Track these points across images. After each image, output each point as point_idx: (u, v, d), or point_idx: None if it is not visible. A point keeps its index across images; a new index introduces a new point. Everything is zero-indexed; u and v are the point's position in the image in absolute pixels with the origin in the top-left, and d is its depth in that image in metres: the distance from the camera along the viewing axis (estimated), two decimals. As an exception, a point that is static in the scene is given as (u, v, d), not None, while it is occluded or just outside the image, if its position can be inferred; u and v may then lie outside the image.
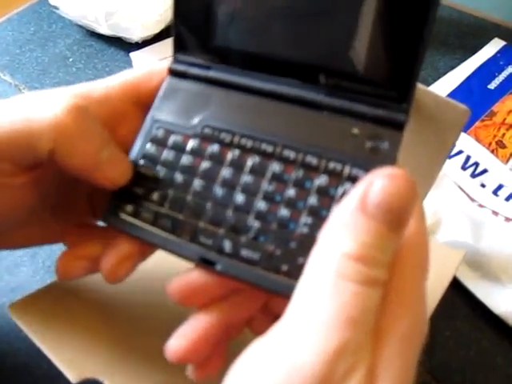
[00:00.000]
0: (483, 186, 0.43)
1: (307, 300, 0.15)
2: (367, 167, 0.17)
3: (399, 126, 0.18)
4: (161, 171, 0.20)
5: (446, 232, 0.39)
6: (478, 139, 0.45)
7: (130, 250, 0.20)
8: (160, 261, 0.22)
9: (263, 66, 0.20)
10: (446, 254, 0.32)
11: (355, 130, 0.18)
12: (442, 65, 0.55)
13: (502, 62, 0.53)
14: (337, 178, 0.17)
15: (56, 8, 0.59)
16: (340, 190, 0.17)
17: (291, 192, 0.18)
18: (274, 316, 0.21)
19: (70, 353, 0.24)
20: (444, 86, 0.51)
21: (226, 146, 0.19)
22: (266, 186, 0.18)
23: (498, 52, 0.54)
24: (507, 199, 0.41)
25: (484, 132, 0.46)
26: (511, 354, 0.34)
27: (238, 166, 0.19)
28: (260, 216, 0.18)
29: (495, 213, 0.40)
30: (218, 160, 0.19)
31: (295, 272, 0.17)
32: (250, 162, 0.18)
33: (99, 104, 0.21)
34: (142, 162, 0.20)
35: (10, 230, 0.22)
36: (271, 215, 0.18)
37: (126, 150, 0.21)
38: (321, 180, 0.17)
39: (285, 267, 0.17)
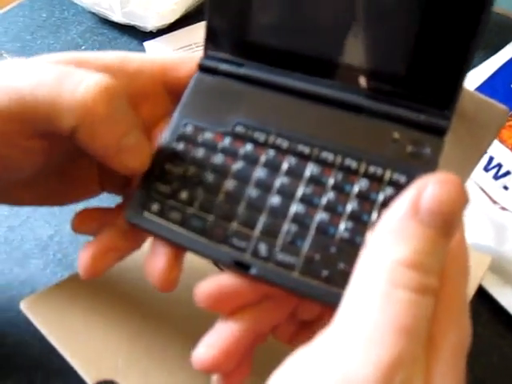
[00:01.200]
0: (506, 188, 0.42)
1: (357, 308, 0.14)
2: (409, 172, 0.17)
3: (441, 133, 0.17)
4: (190, 169, 0.19)
5: (467, 235, 0.38)
6: (501, 140, 0.44)
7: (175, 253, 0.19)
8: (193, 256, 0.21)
9: (300, 64, 0.19)
10: (472, 258, 0.31)
11: (396, 135, 0.17)
12: (463, 62, 0.54)
13: (526, 61, 0.51)
14: (378, 182, 0.17)
15: (68, -6, 0.58)
16: (381, 195, 0.17)
17: (330, 195, 0.17)
18: (300, 322, 0.20)
19: (85, 353, 0.24)
20: (466, 84, 0.50)
21: (261, 145, 0.18)
22: (303, 188, 0.17)
23: (522, 50, 0.53)
24: (531, 202, 0.40)
25: (508, 132, 0.45)
26: (534, 362, 0.34)
27: (273, 166, 0.18)
28: (297, 219, 0.17)
29: (518, 216, 0.39)
30: (251, 160, 0.18)
31: (336, 278, 0.16)
32: (286, 163, 0.18)
33: (131, 79, 0.20)
34: (169, 158, 0.19)
35: (15, 187, 0.22)
36: (309, 219, 0.17)
37: (146, 132, 0.20)
38: (361, 184, 0.17)
39: (325, 273, 0.16)
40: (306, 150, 0.18)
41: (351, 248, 0.16)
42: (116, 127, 0.18)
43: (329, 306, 0.16)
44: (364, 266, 0.14)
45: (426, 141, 0.17)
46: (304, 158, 0.18)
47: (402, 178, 0.17)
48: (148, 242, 0.30)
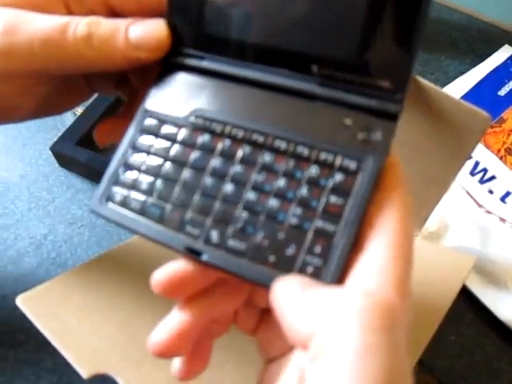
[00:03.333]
0: (491, 192, 0.43)
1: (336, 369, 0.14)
2: (359, 158, 0.17)
3: (393, 117, 0.17)
4: (150, 161, 0.19)
5: (453, 237, 0.39)
6: (487, 145, 0.46)
7: None
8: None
9: (256, 56, 0.19)
10: (456, 259, 0.32)
11: (348, 121, 0.17)
12: (451, 69, 0.55)
13: (511, 69, 0.53)
14: (328, 168, 0.17)
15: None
16: (331, 181, 0.17)
17: (281, 182, 0.17)
18: (259, 311, 0.21)
19: (80, 347, 0.24)
20: (454, 91, 0.51)
21: (217, 136, 0.19)
22: (255, 176, 0.18)
23: (509, 59, 0.54)
24: (515, 206, 0.41)
25: (493, 138, 0.46)
26: (515, 361, 0.35)
27: (228, 156, 0.18)
28: (248, 206, 0.17)
29: (502, 219, 0.41)
30: (208, 150, 0.18)
31: (282, 263, 0.16)
32: (241, 152, 0.18)
33: None
34: (132, 151, 0.20)
35: (18, 107, 0.23)
36: (260, 206, 0.17)
37: None
38: (311, 171, 0.17)
39: (272, 258, 0.17)
40: (261, 138, 0.18)
41: (299, 234, 0.16)
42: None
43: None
44: (330, 328, 0.14)
45: (378, 126, 0.17)
46: (258, 147, 0.18)
47: (352, 164, 0.17)
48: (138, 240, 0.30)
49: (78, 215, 0.43)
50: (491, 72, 0.53)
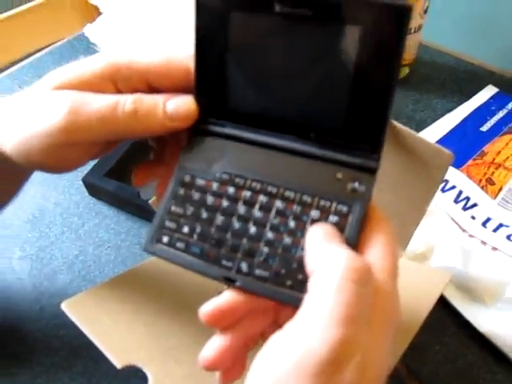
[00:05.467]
0: (473, 218, 0.47)
1: (317, 300, 0.19)
2: (349, 204, 0.22)
3: (373, 171, 0.22)
4: (189, 209, 0.24)
5: (438, 258, 0.44)
6: (469, 176, 0.50)
7: None
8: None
9: (267, 124, 0.25)
10: (434, 274, 0.36)
11: (339, 175, 0.23)
12: (440, 107, 0.60)
13: (493, 107, 0.58)
14: (326, 212, 0.22)
15: (94, 45, 0.66)
16: (328, 222, 0.22)
17: (292, 224, 0.22)
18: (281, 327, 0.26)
19: (114, 344, 0.29)
20: (441, 127, 0.56)
21: (240, 188, 0.24)
22: (272, 219, 0.23)
23: (491, 98, 0.60)
24: (494, 230, 0.46)
25: (475, 170, 0.51)
26: (494, 368, 0.39)
27: (250, 203, 0.23)
28: (269, 243, 0.23)
29: (483, 242, 0.45)
30: (233, 199, 0.24)
31: (296, 286, 0.21)
32: (259, 200, 0.23)
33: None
34: (174, 201, 0.25)
35: (75, 163, 0.28)
36: (277, 242, 0.22)
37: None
38: (314, 214, 0.22)
39: (289, 282, 0.22)
40: (274, 190, 0.23)
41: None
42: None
43: (293, 306, 0.21)
44: (322, 270, 0.20)
45: (362, 178, 0.22)
46: (272, 196, 0.23)
47: (344, 208, 0.22)
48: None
49: (106, 238, 0.48)
50: (475, 110, 0.58)
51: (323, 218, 0.22)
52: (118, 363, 0.28)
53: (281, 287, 0.22)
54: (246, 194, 0.24)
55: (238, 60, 0.24)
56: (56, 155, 0.25)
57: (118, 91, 0.26)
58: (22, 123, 0.26)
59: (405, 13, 0.20)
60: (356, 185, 0.22)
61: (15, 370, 0.39)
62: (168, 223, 0.25)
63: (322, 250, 0.20)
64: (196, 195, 0.25)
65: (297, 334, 0.19)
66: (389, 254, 0.21)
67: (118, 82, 0.26)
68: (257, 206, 0.23)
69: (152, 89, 0.26)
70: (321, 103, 0.23)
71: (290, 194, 0.23)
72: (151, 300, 0.34)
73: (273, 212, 0.23)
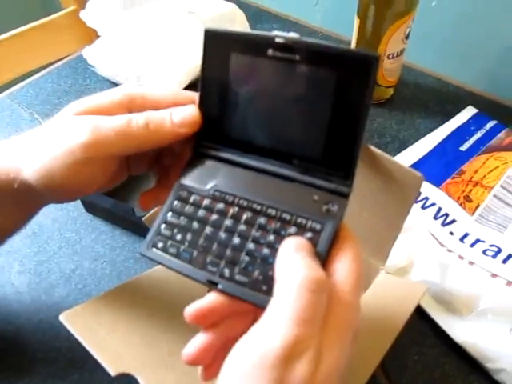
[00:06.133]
0: (452, 233, 0.50)
1: (277, 305, 0.22)
2: (322, 223, 0.25)
3: (345, 195, 0.25)
4: (182, 220, 0.27)
5: (418, 272, 0.46)
6: (448, 194, 0.53)
7: None
8: (183, 282, 0.29)
9: (257, 150, 0.28)
10: (411, 287, 0.39)
11: (316, 197, 0.26)
12: (422, 127, 0.63)
13: (472, 128, 0.61)
14: (302, 228, 0.25)
15: (92, 66, 0.69)
16: (304, 237, 0.25)
17: (271, 237, 0.25)
18: None
19: (109, 353, 0.31)
20: (423, 146, 0.59)
21: (229, 204, 0.27)
22: (254, 232, 0.26)
23: (471, 118, 0.62)
24: (471, 245, 0.48)
25: (454, 188, 0.54)
26: (469, 377, 0.41)
27: (236, 218, 0.26)
28: (249, 253, 0.25)
29: (461, 257, 0.47)
30: (222, 214, 0.27)
31: (270, 291, 0.24)
32: (245, 216, 0.26)
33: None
34: (170, 213, 0.28)
35: (93, 186, 0.30)
36: (257, 252, 0.25)
37: None
38: (291, 230, 0.25)
39: (264, 287, 0.24)
40: (258, 207, 0.26)
41: None
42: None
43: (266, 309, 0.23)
44: (285, 278, 0.22)
45: (335, 201, 0.25)
46: (256, 213, 0.26)
47: (318, 226, 0.25)
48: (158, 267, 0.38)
49: (101, 253, 0.50)
50: (455, 130, 0.61)
51: (299, 233, 0.25)
52: (113, 371, 0.30)
53: (257, 292, 0.24)
54: (234, 209, 0.27)
55: (234, 94, 0.28)
56: (78, 174, 0.28)
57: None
58: (44, 147, 0.28)
59: (373, 61, 0.23)
60: (330, 206, 0.25)
61: (14, 380, 0.41)
62: (163, 231, 0.28)
63: (289, 259, 0.23)
64: (190, 208, 0.28)
65: (258, 334, 0.22)
66: (353, 269, 0.23)
67: (132, 110, 0.29)
68: (242, 221, 0.26)
69: None
70: (302, 135, 0.26)
71: (271, 211, 0.26)
72: (144, 311, 0.36)
73: (256, 226, 0.26)
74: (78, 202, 0.53)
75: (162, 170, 0.33)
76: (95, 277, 0.48)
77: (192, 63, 0.63)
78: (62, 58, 0.78)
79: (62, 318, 0.33)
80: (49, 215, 0.54)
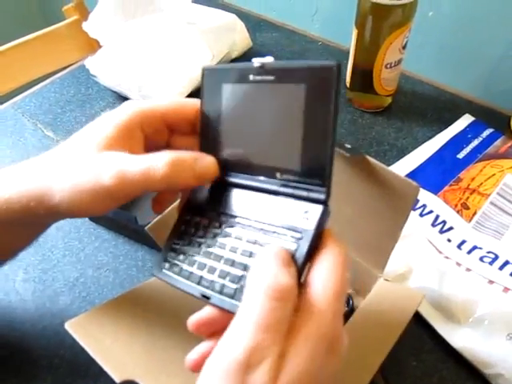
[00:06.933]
0: (449, 240, 0.50)
1: (242, 312, 0.22)
2: (302, 231, 0.25)
3: (323, 202, 0.26)
4: (185, 241, 0.29)
5: (416, 279, 0.47)
6: (446, 201, 0.54)
7: None
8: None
9: (244, 168, 0.29)
10: (409, 293, 0.39)
11: (296, 207, 0.27)
12: (420, 135, 0.64)
13: (469, 135, 0.62)
14: (284, 238, 0.26)
15: (94, 76, 0.70)
16: (291, 247, 0.26)
17: (256, 249, 0.26)
18: None
19: (114, 360, 0.32)
20: (420, 154, 0.60)
21: (221, 222, 0.29)
22: (244, 246, 0.27)
23: (468, 126, 0.63)
24: (469, 252, 0.49)
25: (451, 195, 0.54)
26: (467, 383, 0.41)
27: (227, 235, 0.28)
28: (236, 265, 0.26)
29: (458, 264, 0.48)
30: (217, 231, 0.28)
31: None
32: (235, 231, 0.28)
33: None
34: (176, 238, 0.30)
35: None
36: (242, 265, 0.26)
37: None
38: (273, 240, 0.26)
39: None
40: (246, 222, 0.28)
41: None
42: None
43: None
44: (252, 286, 0.23)
45: (314, 209, 0.26)
46: (244, 228, 0.27)
47: (298, 235, 0.25)
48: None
49: (105, 261, 0.51)
50: (452, 138, 0.62)
51: (281, 243, 0.26)
52: (117, 378, 0.31)
53: (239, 301, 0.25)
54: (227, 226, 0.28)
55: (226, 120, 0.30)
56: (99, 203, 0.29)
57: (143, 132, 0.31)
58: (73, 175, 0.29)
59: (333, 69, 0.25)
60: (308, 215, 0.26)
61: (19, 387, 0.41)
62: (170, 253, 0.30)
63: (259, 267, 0.24)
64: (191, 230, 0.30)
65: (225, 341, 0.22)
66: (331, 278, 0.23)
67: (143, 125, 0.31)
68: (232, 236, 0.28)
69: (169, 127, 0.31)
70: (282, 149, 0.27)
71: (257, 225, 0.27)
72: (147, 319, 0.37)
73: (245, 240, 0.27)
74: (81, 210, 0.54)
75: None
76: (99, 285, 0.49)
77: (192, 73, 0.64)
78: (64, 68, 0.79)
79: (67, 326, 0.33)
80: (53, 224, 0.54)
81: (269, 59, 0.27)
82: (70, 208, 0.29)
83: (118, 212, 0.51)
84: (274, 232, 0.26)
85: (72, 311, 0.47)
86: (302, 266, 0.24)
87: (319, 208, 0.26)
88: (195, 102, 0.32)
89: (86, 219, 0.55)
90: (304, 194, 0.27)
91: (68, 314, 0.47)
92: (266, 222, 0.27)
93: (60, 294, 0.48)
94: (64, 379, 0.42)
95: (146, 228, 0.40)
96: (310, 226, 0.25)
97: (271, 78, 0.27)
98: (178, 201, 0.33)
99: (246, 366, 0.21)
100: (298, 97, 0.26)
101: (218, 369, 0.21)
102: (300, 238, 0.25)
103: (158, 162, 0.28)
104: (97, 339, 0.33)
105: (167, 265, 0.29)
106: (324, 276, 0.23)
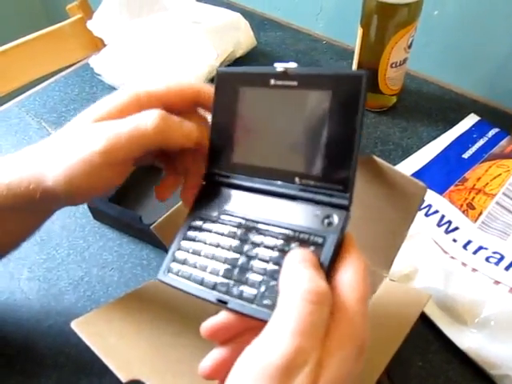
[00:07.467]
0: (455, 240, 0.50)
1: (279, 316, 0.22)
2: (324, 237, 0.25)
3: (346, 208, 0.26)
4: (195, 246, 0.29)
5: (422, 279, 0.47)
6: (451, 201, 0.54)
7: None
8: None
9: (261, 173, 0.29)
10: (414, 294, 0.39)
11: (317, 212, 0.26)
12: (425, 135, 0.64)
13: (475, 135, 0.61)
14: (305, 243, 0.26)
15: (99, 75, 0.70)
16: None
17: (276, 254, 0.26)
18: None
19: (119, 359, 0.32)
20: (426, 154, 0.60)
21: (236, 227, 0.28)
22: (260, 251, 0.27)
23: (473, 126, 0.63)
24: (474, 253, 0.49)
25: (457, 195, 0.54)
26: (473, 384, 0.41)
27: (243, 239, 0.27)
28: (256, 271, 0.26)
29: (464, 264, 0.48)
30: (230, 236, 0.28)
31: (275, 306, 0.24)
32: (251, 236, 0.27)
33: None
34: (184, 240, 0.30)
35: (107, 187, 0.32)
36: (263, 270, 0.26)
37: None
38: (294, 245, 0.26)
39: (269, 302, 0.25)
40: (264, 227, 0.27)
41: None
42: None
43: None
44: (287, 290, 0.23)
45: (336, 214, 0.26)
46: (261, 233, 0.27)
47: (320, 240, 0.25)
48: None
49: (109, 260, 0.51)
50: (458, 137, 0.62)
51: (303, 248, 0.26)
52: (123, 377, 0.31)
53: (264, 307, 0.25)
54: (241, 231, 0.28)
55: (241, 124, 0.30)
56: (98, 179, 0.30)
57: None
58: (64, 156, 0.30)
59: (362, 78, 0.25)
60: (331, 219, 0.26)
61: (24, 385, 0.41)
62: (177, 257, 0.29)
63: (292, 271, 0.24)
64: (201, 234, 0.29)
65: (259, 346, 0.22)
66: (358, 280, 0.23)
67: (141, 107, 0.30)
68: (249, 241, 0.27)
69: (168, 108, 0.31)
70: (303, 154, 0.27)
71: (276, 229, 0.27)
72: (153, 319, 0.37)
73: (261, 245, 0.27)
74: (86, 209, 0.54)
75: (168, 159, 0.34)
76: (103, 284, 0.49)
77: (197, 72, 0.64)
78: (68, 66, 0.79)
79: (73, 325, 0.33)
80: (57, 223, 0.54)
81: (292, 65, 0.27)
82: (67, 189, 0.30)
83: (122, 211, 0.51)
84: (293, 237, 0.26)
85: (77, 310, 0.47)
86: (328, 269, 0.24)
87: (342, 213, 0.26)
88: (196, 87, 0.32)
89: (91, 218, 0.55)
90: (326, 199, 0.26)
91: (73, 312, 0.46)
92: (284, 226, 0.27)
93: (65, 293, 0.48)
94: (69, 377, 0.42)
95: (151, 227, 0.40)
96: (334, 230, 0.25)
97: (294, 83, 0.27)
98: (181, 202, 0.33)
99: (285, 372, 0.20)
100: (323, 103, 0.26)
101: (253, 376, 0.21)
102: (323, 243, 0.25)
103: (148, 117, 0.29)
104: (103, 338, 0.33)
105: (175, 269, 0.29)
106: (352, 280, 0.23)
